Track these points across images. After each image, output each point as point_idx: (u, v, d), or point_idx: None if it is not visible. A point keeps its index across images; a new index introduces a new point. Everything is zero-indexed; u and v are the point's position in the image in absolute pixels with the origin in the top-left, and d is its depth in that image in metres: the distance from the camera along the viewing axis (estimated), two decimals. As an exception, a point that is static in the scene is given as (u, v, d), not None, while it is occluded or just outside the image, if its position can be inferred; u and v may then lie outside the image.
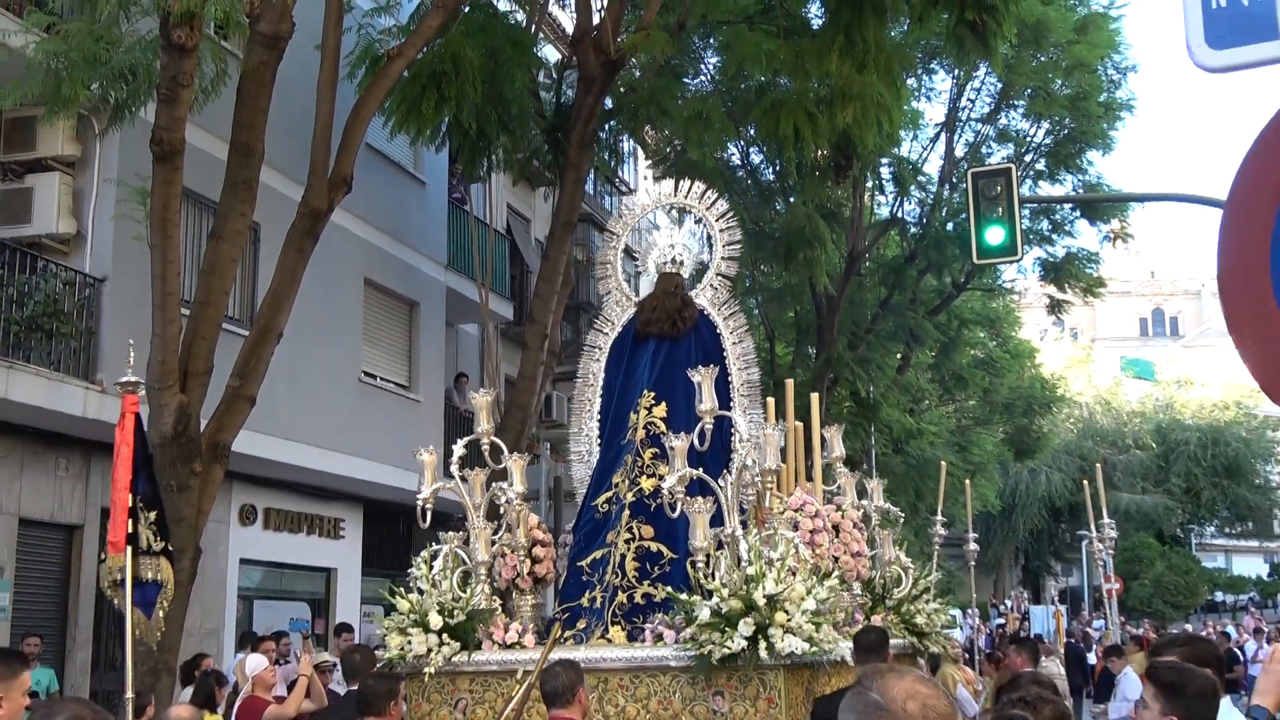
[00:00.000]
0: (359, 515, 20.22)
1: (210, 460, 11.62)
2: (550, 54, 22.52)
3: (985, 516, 41.40)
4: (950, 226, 27.31)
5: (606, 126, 19.14)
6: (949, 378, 33.28)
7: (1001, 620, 36.77)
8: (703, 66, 22.93)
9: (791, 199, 23.62)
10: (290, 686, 12.86)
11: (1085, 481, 19.68)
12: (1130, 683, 13.95)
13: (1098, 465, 20.18)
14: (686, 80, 21.80)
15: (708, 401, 7.85)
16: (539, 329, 17.22)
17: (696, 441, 7.75)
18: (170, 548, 8.20)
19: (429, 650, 7.83)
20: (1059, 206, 28.23)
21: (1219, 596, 57.10)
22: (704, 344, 9.07)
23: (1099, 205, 27.88)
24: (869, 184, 26.54)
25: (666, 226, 9.57)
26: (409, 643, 7.87)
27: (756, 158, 25.28)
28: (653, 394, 8.86)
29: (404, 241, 20.35)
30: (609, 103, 18.19)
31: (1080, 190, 27.57)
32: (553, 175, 20.62)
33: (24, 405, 13.02)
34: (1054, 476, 52.66)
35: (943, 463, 16.06)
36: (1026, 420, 38.43)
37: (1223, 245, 3.61)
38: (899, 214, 28.13)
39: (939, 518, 14.77)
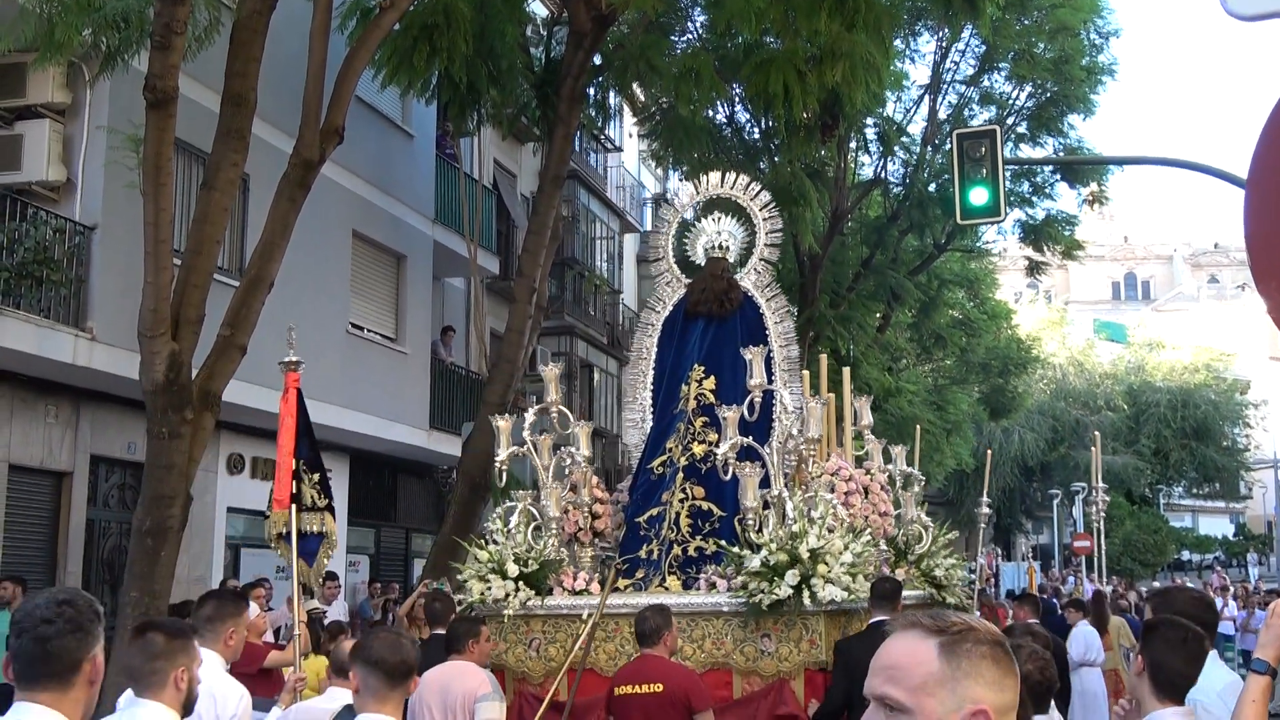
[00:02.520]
0: (345, 465, 20.15)
1: (201, 408, 11.52)
2: (539, 9, 22.30)
3: (959, 475, 41.62)
4: (933, 187, 27.26)
5: (595, 83, 18.98)
6: (928, 337, 33.34)
7: (973, 577, 36.98)
8: (690, 24, 22.73)
9: (777, 158, 23.51)
10: (276, 633, 12.89)
11: (1094, 448, 19.97)
12: (1080, 635, 14.06)
13: (1095, 433, 20.42)
14: (674, 38, 21.62)
15: (757, 377, 8.68)
16: (527, 283, 17.13)
17: (746, 413, 8.58)
18: (333, 505, 8.95)
19: (506, 595, 8.68)
20: (1039, 169, 28.22)
21: (1186, 555, 57.64)
22: (748, 323, 9.83)
23: (1079, 168, 27.87)
24: (853, 144, 26.43)
25: (713, 215, 10.34)
26: (489, 588, 8.73)
27: (743, 116, 25.13)
28: (702, 368, 9.65)
29: (392, 194, 20.18)
30: (597, 59, 18.02)
31: (1061, 153, 27.53)
32: (541, 131, 20.46)
33: (13, 352, 12.90)
34: (1027, 436, 52.90)
35: (918, 426, 16.06)
36: (1002, 380, 38.59)
37: (1250, 205, 3.55)
38: (882, 174, 28.06)
39: (917, 474, 14.80)
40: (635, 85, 20.27)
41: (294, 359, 8.91)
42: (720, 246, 10.13)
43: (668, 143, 22.09)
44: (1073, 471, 53.62)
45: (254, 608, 10.51)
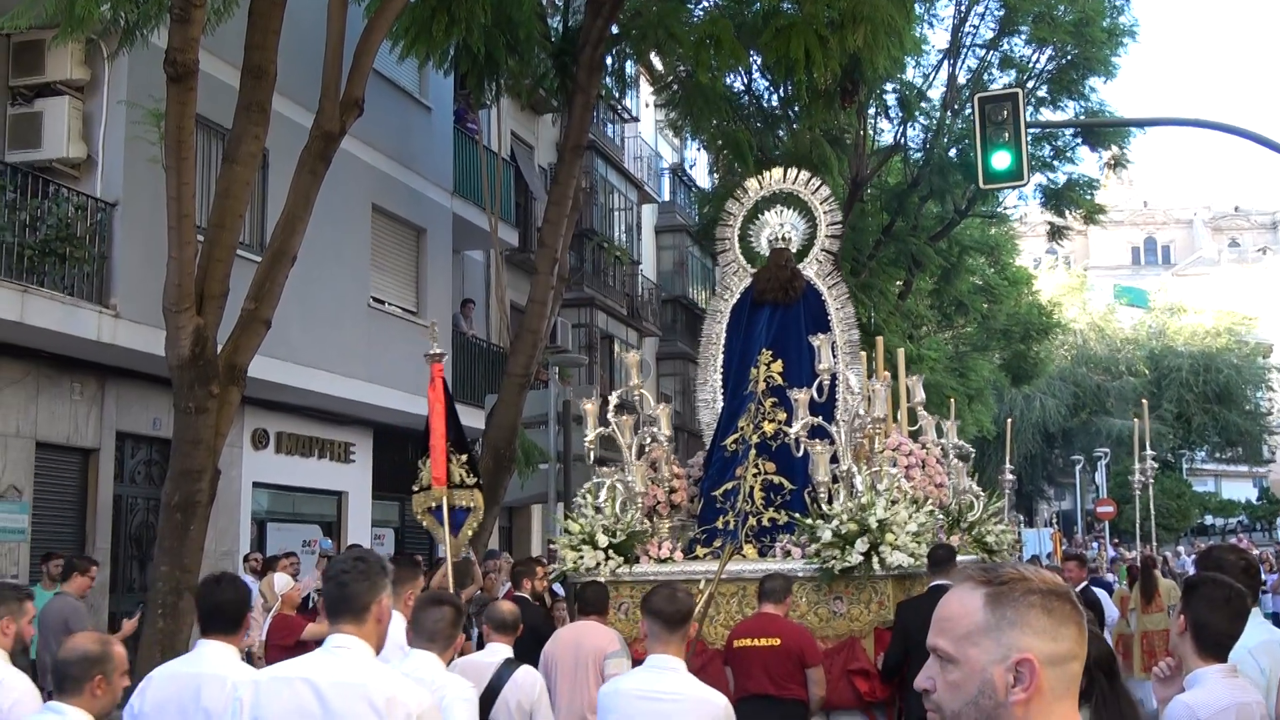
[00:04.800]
0: (369, 439, 20.20)
1: (227, 382, 11.53)
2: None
3: (980, 442, 41.57)
4: (953, 153, 27.12)
5: (612, 52, 18.87)
6: (949, 304, 33.24)
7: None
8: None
9: (796, 125, 23.39)
10: (305, 602, 12.94)
11: (1135, 419, 20.03)
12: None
13: (1143, 402, 20.44)
14: (691, 4, 21.48)
15: (826, 361, 9.36)
16: (549, 254, 17.07)
17: (815, 394, 9.27)
18: (481, 483, 9.63)
19: (598, 564, 9.44)
20: (1060, 133, 28.03)
21: (1209, 520, 57.49)
22: (812, 309, 10.50)
23: (1100, 131, 27.69)
24: (873, 110, 26.28)
25: (776, 208, 11.02)
26: (581, 557, 9.51)
27: (761, 84, 24.99)
28: (770, 352, 10.33)
29: (410, 168, 20.14)
30: (614, 28, 17.90)
31: (1082, 116, 27.32)
32: (559, 101, 20.37)
33: (38, 329, 12.92)
34: (1048, 402, 52.79)
35: (952, 400, 16.02)
36: (1023, 346, 38.48)
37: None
38: (902, 140, 27.90)
39: (967, 447, 14.83)
40: (653, 54, 20.14)
41: (438, 351, 9.64)
42: (783, 238, 10.78)
43: (685, 112, 21.97)
44: (1094, 437, 53.49)
45: (285, 579, 10.55)
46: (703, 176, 36.99)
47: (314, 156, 12.30)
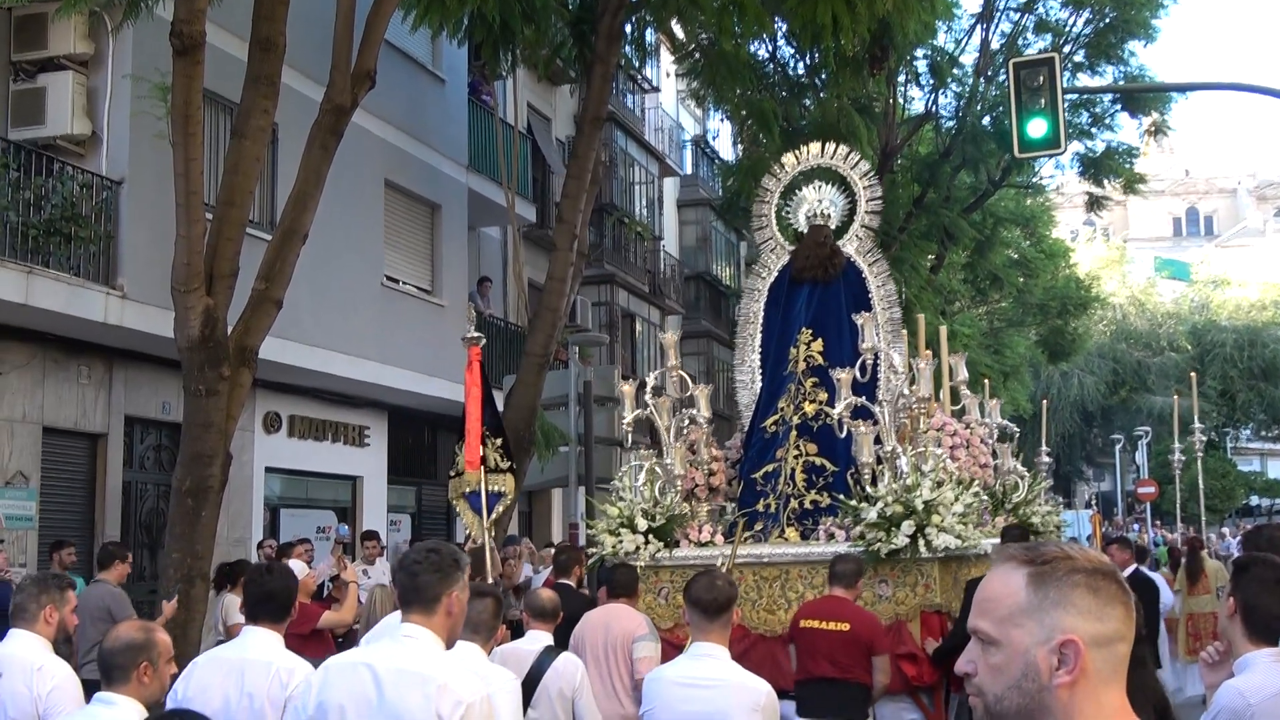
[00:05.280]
0: (384, 422, 20.27)
1: (238, 364, 11.57)
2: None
3: (1016, 420, 41.40)
4: (986, 121, 26.97)
5: (632, 19, 18.81)
6: (983, 278, 33.11)
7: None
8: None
9: (823, 94, 23.29)
10: (320, 590, 13.03)
11: (1176, 395, 19.92)
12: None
13: (1191, 375, 20.35)
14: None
15: (869, 340, 9.48)
16: (568, 229, 17.06)
17: (858, 374, 9.38)
18: (515, 466, 9.84)
19: (637, 548, 9.61)
20: (1098, 99, 27.83)
21: (1254, 500, 57.20)
22: (852, 287, 10.59)
23: (1139, 98, 27.48)
24: (903, 77, 26.14)
25: (814, 184, 11.11)
26: (620, 541, 9.68)
27: (786, 51, 24.87)
28: (810, 331, 10.45)
29: (424, 142, 20.15)
30: (633, -5, 17.84)
31: (1121, 82, 27.13)
32: (577, 71, 20.32)
33: (44, 311, 12.99)
34: (1086, 380, 52.58)
35: (987, 380, 15.96)
36: (1060, 321, 38.32)
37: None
38: (934, 109, 27.76)
39: (1012, 426, 14.87)
40: (674, 21, 20.06)
41: (475, 334, 9.85)
42: (822, 214, 10.86)
43: (708, 81, 21.86)
44: (1135, 416, 53.28)
45: (301, 566, 10.61)
46: (726, 148, 36.91)
47: (325, 131, 12.31)
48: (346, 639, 11.57)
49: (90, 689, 5.49)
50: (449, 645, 4.29)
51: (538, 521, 25.13)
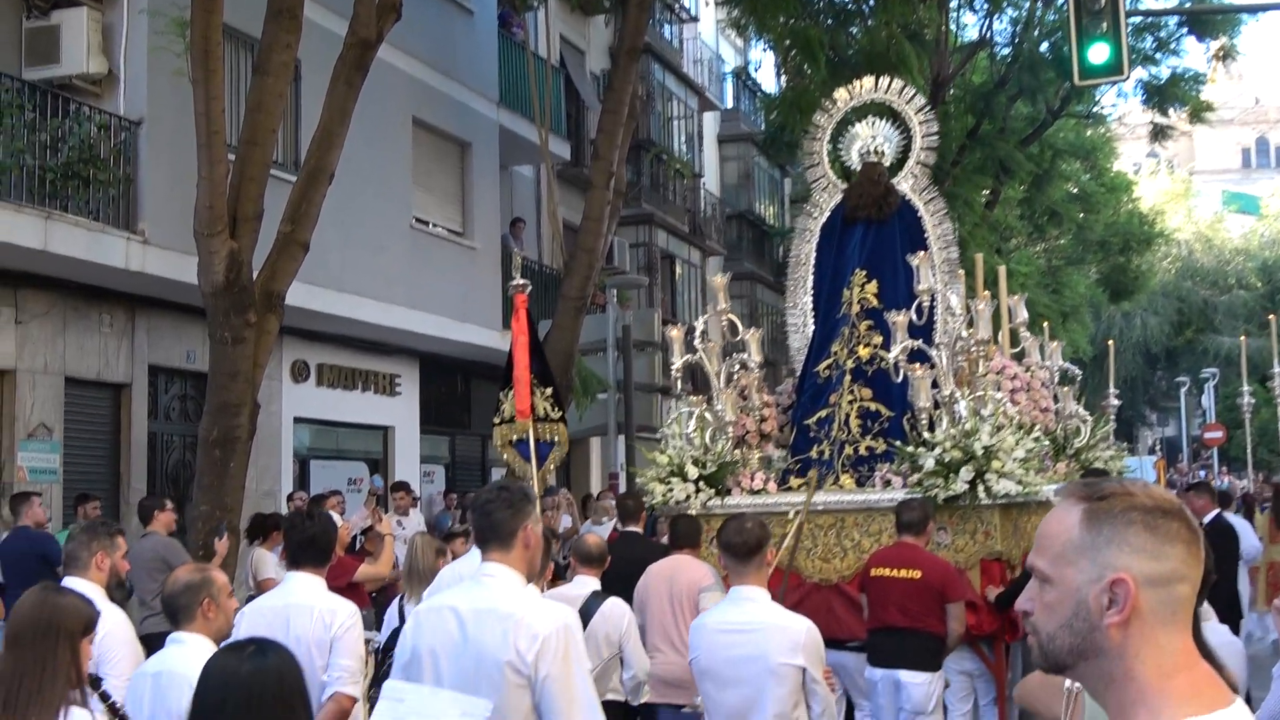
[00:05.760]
0: (415, 371, 20.37)
1: (264, 310, 11.65)
2: None
3: (1076, 363, 41.18)
4: (1044, 47, 26.65)
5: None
6: (1040, 214, 32.87)
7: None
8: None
9: (870, 22, 23.04)
10: (352, 543, 13.16)
11: (1244, 336, 19.65)
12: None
13: (1270, 318, 20.11)
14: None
15: (926, 281, 9.60)
16: (604, 166, 17.02)
17: (914, 316, 9.50)
18: (565, 417, 10.06)
19: (687, 496, 9.76)
20: (1163, 22, 27.42)
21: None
22: (907, 227, 10.62)
23: (1207, 20, 27.04)
24: (955, 2, 25.84)
25: (867, 119, 11.11)
26: (670, 490, 9.83)
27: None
28: (864, 272, 10.49)
29: (453, 77, 20.08)
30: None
31: (1188, 3, 26.70)
32: (610, 0, 20.19)
33: (64, 258, 13.07)
34: (1150, 320, 52.17)
35: (1046, 323, 15.84)
36: (1123, 259, 38.01)
37: None
38: (988, 35, 27.43)
39: (1073, 369, 14.83)
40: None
41: (521, 282, 9.99)
42: (876, 151, 10.86)
43: (749, 9, 21.68)
44: (1201, 358, 52.85)
45: (337, 517, 10.72)
46: (769, 80, 36.68)
47: (349, 66, 12.31)
48: (382, 591, 11.71)
49: (151, 644, 5.69)
50: (529, 578, 4.50)
51: (576, 471, 25.24)
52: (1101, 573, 1.97)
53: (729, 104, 36.38)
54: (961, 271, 11.35)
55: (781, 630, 5.53)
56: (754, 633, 5.49)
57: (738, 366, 10.56)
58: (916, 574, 8.14)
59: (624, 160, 18.53)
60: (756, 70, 37.71)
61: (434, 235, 19.66)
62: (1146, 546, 1.97)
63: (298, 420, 17.93)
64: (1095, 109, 32.64)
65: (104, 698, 4.21)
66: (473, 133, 20.71)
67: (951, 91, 27.20)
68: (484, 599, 4.37)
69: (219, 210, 11.17)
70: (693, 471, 9.83)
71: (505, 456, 9.81)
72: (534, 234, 23.91)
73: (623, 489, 18.40)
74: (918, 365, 9.36)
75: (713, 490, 9.84)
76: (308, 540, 5.75)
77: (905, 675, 8.11)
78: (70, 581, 5.87)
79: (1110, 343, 18.30)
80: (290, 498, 15.57)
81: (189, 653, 4.74)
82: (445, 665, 4.32)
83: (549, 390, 9.80)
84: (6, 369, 13.48)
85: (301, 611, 5.44)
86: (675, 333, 10.56)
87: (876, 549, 8.86)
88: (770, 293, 35.34)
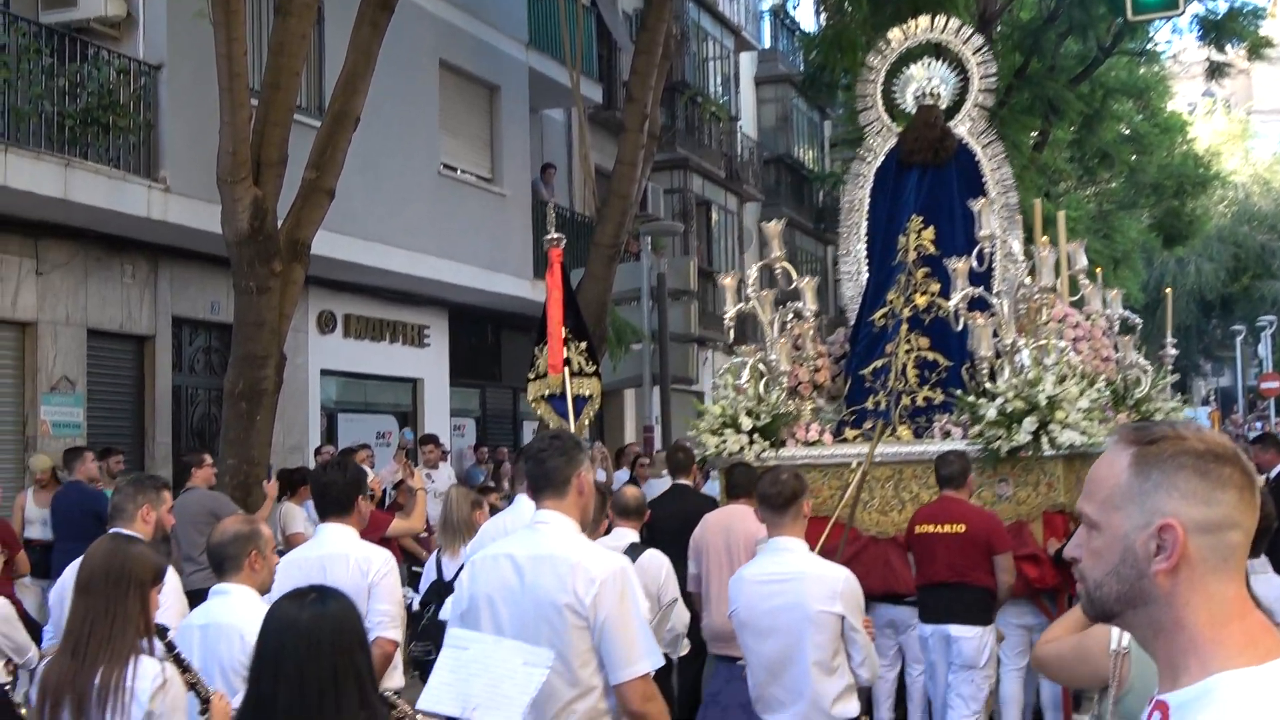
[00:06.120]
0: (444, 322, 20.43)
1: (289, 259, 11.70)
2: None
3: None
4: (1096, -20, 26.29)
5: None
6: (1091, 156, 32.58)
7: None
8: None
9: (913, -46, 22.80)
10: (381, 498, 13.27)
11: None
12: None
13: None
14: None
15: (987, 227, 9.55)
16: (638, 109, 16.95)
17: (975, 263, 9.46)
18: (599, 371, 10.16)
19: (741, 448, 9.76)
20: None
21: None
22: (964, 171, 10.58)
23: (1268, -49, 26.65)
24: (1003, -68, 25.53)
25: (922, 61, 11.09)
26: (723, 441, 9.85)
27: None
28: (920, 218, 10.48)
29: (480, 18, 20.02)
30: None
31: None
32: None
33: (84, 206, 13.14)
34: (1205, 266, 51.78)
35: (1099, 269, 15.63)
36: (1177, 202, 37.65)
37: None
38: (1037, -32, 27.12)
39: (1134, 317, 14.78)
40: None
41: (556, 236, 10.00)
42: (931, 93, 10.81)
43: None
44: (1258, 304, 52.48)
45: (368, 470, 10.79)
46: (808, 18, 36.37)
47: (374, 6, 12.30)
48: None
49: (195, 601, 5.81)
50: (583, 526, 4.65)
51: (610, 424, 25.32)
52: (1150, 519, 1.95)
53: (766, 44, 36.14)
54: (1019, 217, 11.39)
55: (820, 579, 5.62)
56: (792, 582, 5.59)
57: (791, 316, 10.60)
58: (961, 528, 8.22)
59: (658, 103, 18.43)
60: (795, 8, 37.41)
61: (462, 182, 19.67)
62: (1197, 492, 1.95)
63: (325, 373, 18.03)
64: (1149, 46, 32.30)
65: (170, 648, 4.30)
66: (502, 75, 20.67)
67: (998, 28, 26.91)
68: (540, 545, 4.50)
69: (242, 156, 11.20)
70: (746, 423, 9.89)
71: (539, 412, 9.91)
72: (565, 180, 23.88)
73: (658, 442, 18.45)
74: (978, 313, 9.37)
75: (767, 442, 9.90)
76: (321, 490, 5.93)
77: (955, 630, 8.21)
78: (115, 534, 5.99)
79: (1168, 290, 18.11)
80: (318, 451, 15.68)
81: (235, 603, 4.92)
82: (504, 611, 4.46)
83: (583, 345, 9.89)
84: (28, 321, 13.60)
85: (337, 561, 5.58)
86: (728, 281, 10.59)
87: (921, 506, 8.91)
88: (809, 240, 35.25)
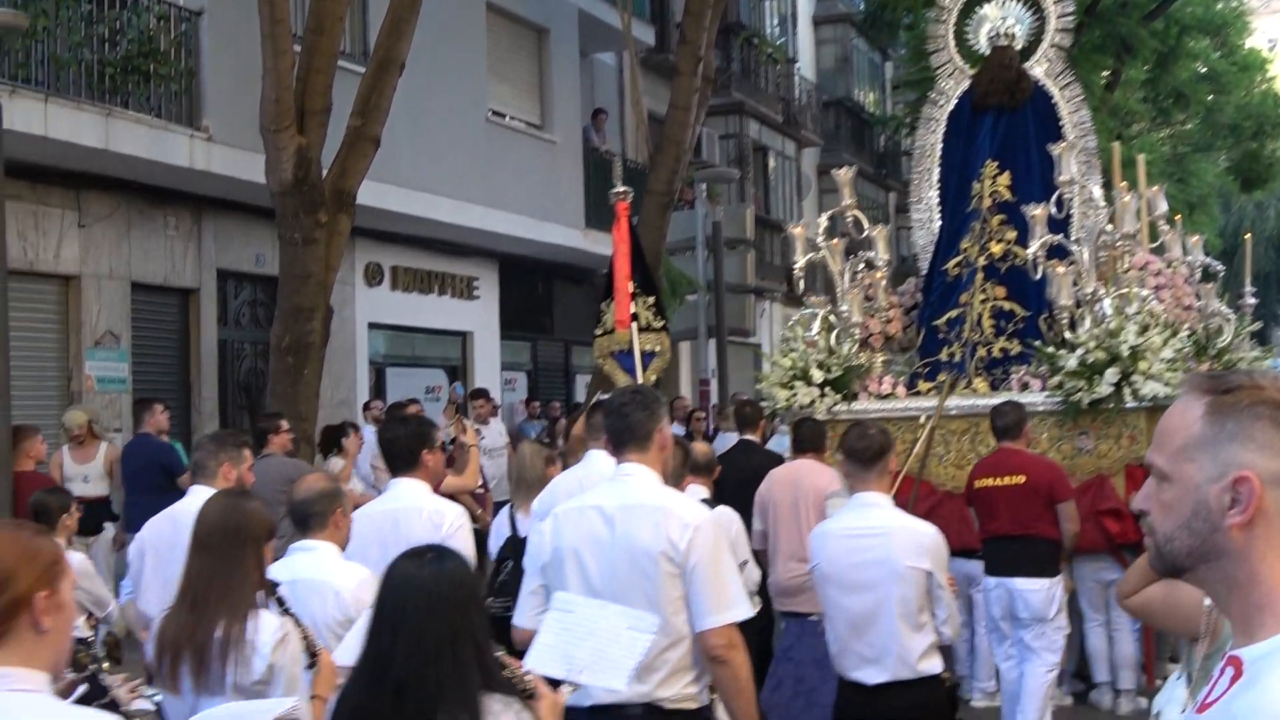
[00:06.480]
0: (494, 273, 20.47)
1: (335, 209, 11.78)
2: None
3: (1204, 258, 40.51)
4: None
5: None
6: (1165, 96, 32.17)
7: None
8: None
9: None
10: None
11: None
12: None
13: None
14: None
15: (1067, 172, 9.58)
16: (691, 50, 16.88)
17: (1054, 209, 9.54)
18: (668, 326, 10.32)
19: (812, 401, 9.93)
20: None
21: None
22: (1041, 114, 10.64)
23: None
24: None
25: (994, 2, 11.12)
26: (793, 395, 10.02)
27: None
28: (995, 163, 10.53)
29: (528, -43, 19.99)
30: None
31: None
32: None
33: (126, 157, 13.23)
34: (1286, 210, 51.04)
35: (1178, 216, 15.47)
36: (1255, 144, 37.15)
37: None
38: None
39: (1216, 265, 14.63)
40: None
41: (622, 189, 10.29)
42: (1006, 34, 10.85)
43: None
44: (1341, 252, 51.74)
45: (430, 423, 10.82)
46: (868, -46, 35.96)
47: (419, -53, 12.29)
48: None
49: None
50: (664, 480, 4.79)
51: (665, 378, 25.24)
52: (1224, 470, 1.94)
53: (825, -20, 35.82)
54: (1099, 161, 11.37)
55: (908, 534, 5.67)
56: (880, 537, 5.62)
57: (862, 265, 10.66)
58: (1020, 479, 8.25)
59: (712, 45, 18.34)
60: (855, -56, 37.03)
61: (511, 129, 19.67)
62: (1274, 443, 1.94)
63: (372, 326, 18.13)
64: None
65: (280, 602, 4.43)
66: (551, 18, 20.62)
67: (1069, -38, 26.61)
68: (628, 495, 4.64)
69: (285, 104, 11.26)
70: (817, 376, 9.96)
71: (605, 368, 10.05)
72: (617, 126, 23.82)
73: (714, 396, 18.47)
74: (1057, 261, 9.38)
75: (839, 395, 9.99)
76: (386, 446, 6.07)
77: (1021, 583, 8.24)
78: (197, 490, 6.19)
79: (1247, 236, 17.91)
80: (367, 406, 15.78)
81: (324, 560, 5.04)
82: (591, 563, 4.57)
83: (651, 299, 10.00)
84: (71, 274, 13.75)
85: (410, 514, 5.67)
86: (797, 230, 10.72)
87: (978, 459, 8.94)
88: (870, 186, 35.01)
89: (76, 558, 7.07)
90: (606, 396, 7.58)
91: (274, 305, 12.96)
